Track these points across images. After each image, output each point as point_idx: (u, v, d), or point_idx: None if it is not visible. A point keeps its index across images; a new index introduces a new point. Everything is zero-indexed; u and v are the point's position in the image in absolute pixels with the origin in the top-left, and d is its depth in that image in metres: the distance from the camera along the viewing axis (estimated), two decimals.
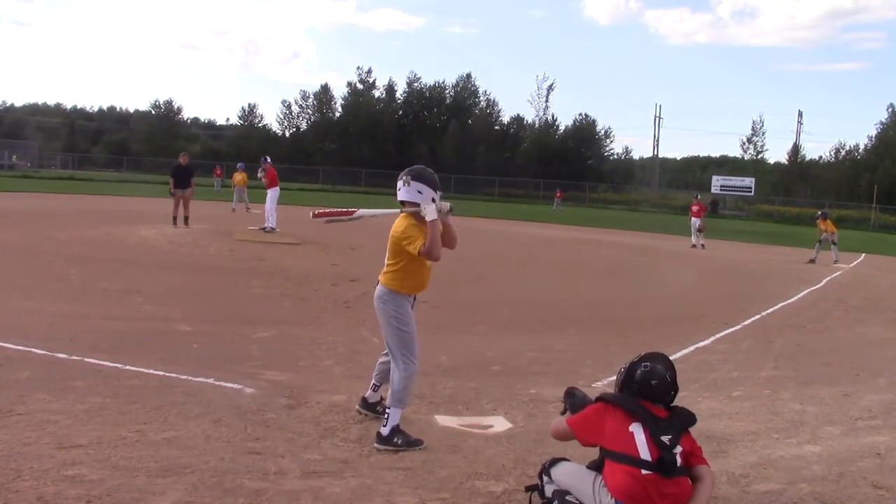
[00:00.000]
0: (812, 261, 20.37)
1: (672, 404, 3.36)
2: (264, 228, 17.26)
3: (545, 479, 3.45)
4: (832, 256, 20.69)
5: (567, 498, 3.29)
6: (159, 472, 3.70)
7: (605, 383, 6.18)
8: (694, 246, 23.12)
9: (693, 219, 23.87)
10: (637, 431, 3.16)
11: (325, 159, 69.75)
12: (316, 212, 4.58)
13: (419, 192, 4.39)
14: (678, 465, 3.13)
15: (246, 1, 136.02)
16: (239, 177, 26.90)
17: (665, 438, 3.16)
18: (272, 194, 17.84)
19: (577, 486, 3.29)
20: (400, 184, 4.44)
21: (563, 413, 3.66)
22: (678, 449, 3.16)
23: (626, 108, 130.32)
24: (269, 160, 18.81)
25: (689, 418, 3.35)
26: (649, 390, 3.28)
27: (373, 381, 4.94)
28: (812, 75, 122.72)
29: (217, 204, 27.30)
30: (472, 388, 5.79)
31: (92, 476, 3.60)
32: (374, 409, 4.86)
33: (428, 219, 4.29)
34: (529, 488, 3.57)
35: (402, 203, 4.46)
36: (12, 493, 3.39)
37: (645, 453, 3.11)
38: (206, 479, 3.67)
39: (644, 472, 3.08)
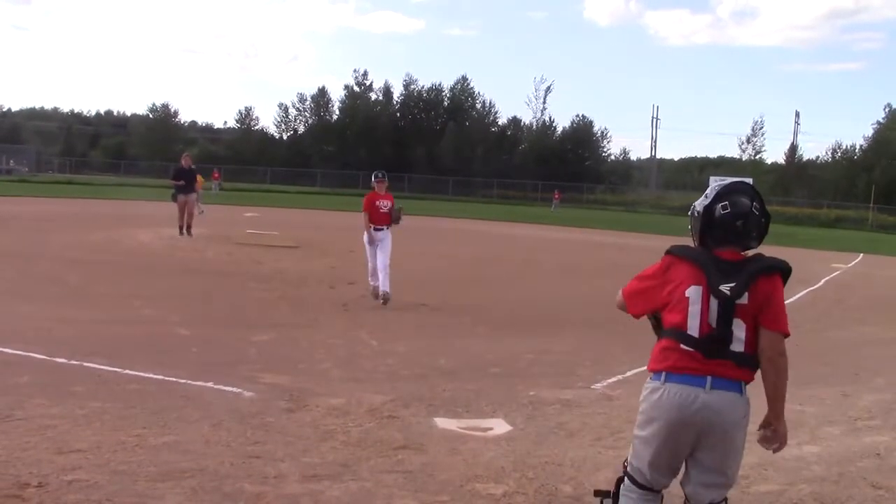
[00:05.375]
0: None
1: (756, 249, 2.76)
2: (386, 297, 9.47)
3: None
4: None
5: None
6: (159, 477, 3.70)
7: (605, 384, 6.19)
8: None
9: None
10: (694, 295, 2.62)
11: (322, 162, 69.76)
12: None
13: None
14: (730, 345, 2.59)
15: (245, 5, 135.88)
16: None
17: (725, 288, 2.58)
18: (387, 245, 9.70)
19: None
20: None
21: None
22: (737, 322, 2.57)
23: (624, 109, 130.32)
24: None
25: (771, 266, 2.64)
26: (735, 234, 2.68)
27: None
28: (811, 75, 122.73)
29: (215, 207, 27.28)
30: (472, 391, 5.78)
31: (91, 481, 3.60)
32: None
33: None
34: (599, 493, 3.18)
35: None
36: (11, 498, 3.38)
37: (694, 326, 2.61)
38: (206, 484, 3.66)
39: (684, 346, 2.63)
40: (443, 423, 4.95)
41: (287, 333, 7.61)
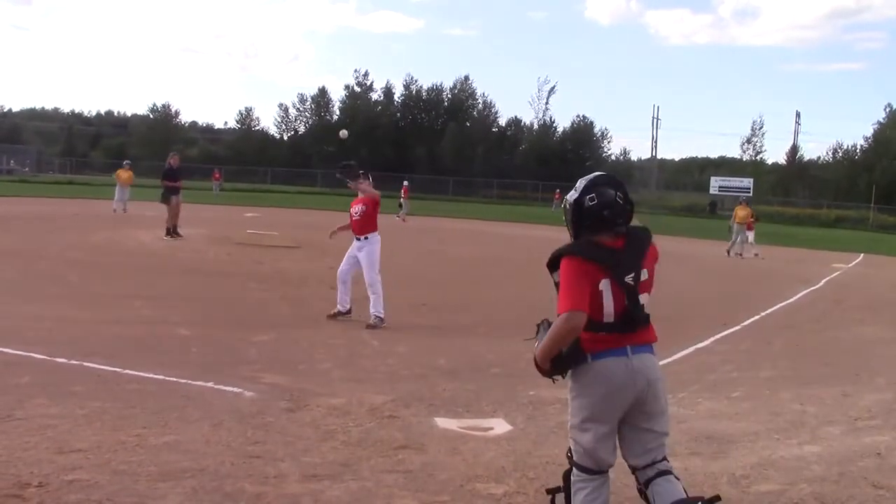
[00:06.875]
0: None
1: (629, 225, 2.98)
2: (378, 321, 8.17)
3: None
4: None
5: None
6: (159, 477, 3.70)
7: None
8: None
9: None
10: (606, 289, 2.84)
11: (323, 162, 69.75)
12: None
13: None
14: (643, 313, 2.88)
15: (245, 5, 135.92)
16: (125, 174, 24.24)
17: (629, 278, 2.85)
18: (374, 248, 8.32)
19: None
20: None
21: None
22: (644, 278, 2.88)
23: (625, 109, 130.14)
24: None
25: (646, 238, 2.98)
26: (602, 222, 2.90)
27: None
28: (812, 75, 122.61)
29: (216, 208, 27.29)
30: (472, 391, 5.78)
31: (92, 480, 3.60)
32: None
33: None
34: (550, 491, 3.25)
35: None
36: (12, 498, 3.38)
37: (609, 310, 2.83)
38: (206, 483, 3.66)
39: (603, 333, 2.84)
40: (443, 422, 4.95)
41: (287, 333, 7.62)
